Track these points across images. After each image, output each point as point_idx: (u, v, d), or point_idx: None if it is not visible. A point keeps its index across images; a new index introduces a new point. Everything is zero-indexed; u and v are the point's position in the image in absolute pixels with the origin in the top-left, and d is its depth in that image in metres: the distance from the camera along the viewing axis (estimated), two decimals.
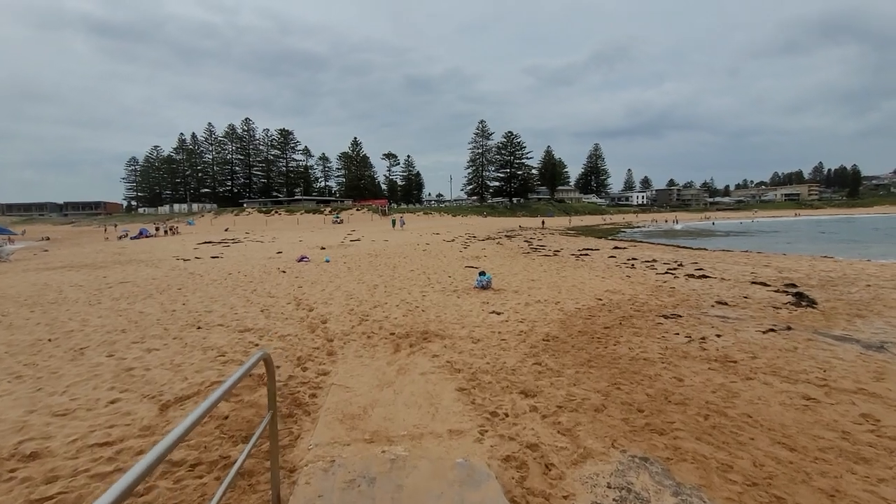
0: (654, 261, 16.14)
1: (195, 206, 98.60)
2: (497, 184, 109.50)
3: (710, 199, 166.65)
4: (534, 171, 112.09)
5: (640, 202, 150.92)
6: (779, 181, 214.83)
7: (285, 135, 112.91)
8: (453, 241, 28.04)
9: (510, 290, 10.17)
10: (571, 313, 7.86)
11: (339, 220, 68.09)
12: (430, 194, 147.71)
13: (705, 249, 22.73)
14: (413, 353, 5.74)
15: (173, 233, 51.28)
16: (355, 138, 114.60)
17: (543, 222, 56.65)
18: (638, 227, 61.43)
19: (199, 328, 7.13)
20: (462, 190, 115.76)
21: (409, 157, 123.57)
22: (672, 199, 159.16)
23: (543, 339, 6.23)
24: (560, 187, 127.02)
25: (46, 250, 32.96)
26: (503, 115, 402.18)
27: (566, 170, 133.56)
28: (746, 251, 21.03)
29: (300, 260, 16.95)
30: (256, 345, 6.16)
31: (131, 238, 45.19)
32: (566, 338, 6.32)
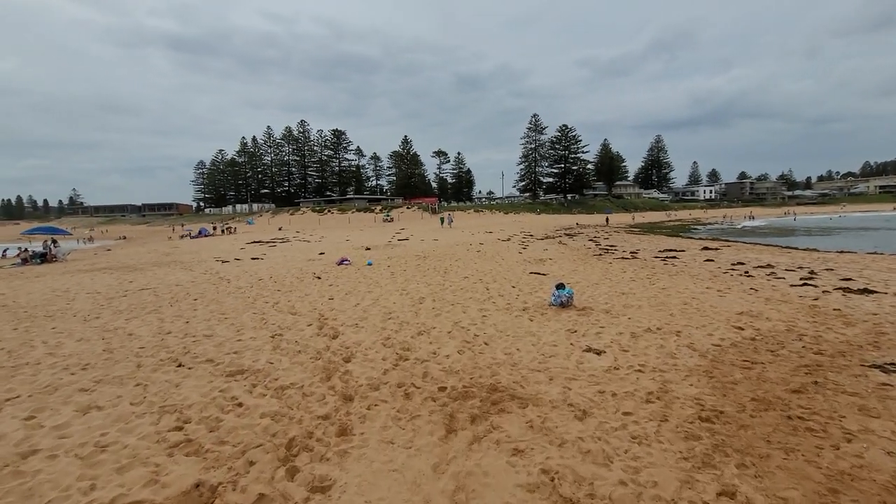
0: (771, 266, 12.73)
1: (255, 206, 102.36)
2: (550, 180, 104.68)
3: (789, 193, 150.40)
4: (589, 167, 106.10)
5: (707, 197, 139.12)
6: (871, 171, 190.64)
7: (338, 135, 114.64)
8: (508, 240, 25.43)
9: (599, 310, 7.56)
10: (713, 356, 5.16)
11: (389, 218, 67.27)
12: (480, 192, 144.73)
13: (816, 250, 18.56)
14: (478, 441, 3.40)
15: (230, 232, 52.42)
16: (406, 136, 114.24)
17: (607, 219, 52.31)
18: (709, 223, 55.27)
19: (179, 365, 5.21)
20: (514, 187, 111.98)
21: (459, 154, 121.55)
22: (744, 192, 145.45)
23: (700, 418, 3.65)
24: (618, 182, 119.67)
25: (109, 250, 34.01)
26: (555, 110, 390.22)
27: (624, 164, 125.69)
28: (876, 251, 16.76)
29: (340, 263, 15.16)
30: (240, 404, 4.09)
31: (191, 237, 46.49)
32: (737, 414, 3.70)
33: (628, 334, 6.06)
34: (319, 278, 11.98)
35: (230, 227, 56.53)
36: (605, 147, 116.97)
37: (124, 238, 59.50)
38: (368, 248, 21.15)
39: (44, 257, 22.92)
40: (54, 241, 33.82)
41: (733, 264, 13.58)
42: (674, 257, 15.98)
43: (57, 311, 8.80)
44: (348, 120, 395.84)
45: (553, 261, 15.03)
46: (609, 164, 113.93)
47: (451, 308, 7.99)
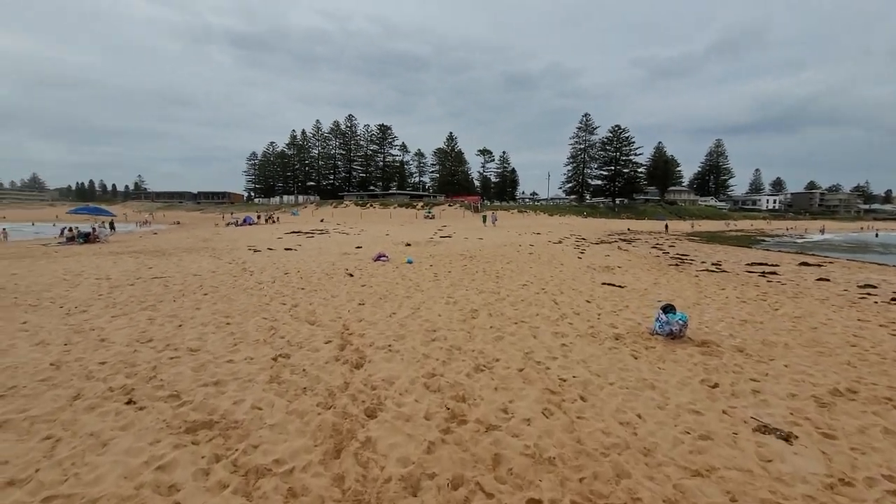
0: None
1: (301, 198, 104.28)
2: (599, 182, 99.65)
3: (865, 206, 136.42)
4: (641, 170, 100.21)
5: (769, 206, 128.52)
6: None
7: (384, 130, 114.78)
8: (560, 242, 23.04)
9: (728, 347, 5.33)
10: None
11: (430, 215, 65.89)
12: (523, 192, 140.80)
13: None
14: None
15: (273, 221, 52.69)
16: (451, 133, 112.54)
17: (667, 226, 48.41)
18: (776, 235, 49.96)
19: (129, 402, 3.55)
20: (560, 188, 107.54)
21: (504, 153, 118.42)
22: (813, 204, 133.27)
23: None
24: (671, 188, 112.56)
25: (156, 233, 34.39)
26: (606, 111, 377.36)
27: (679, 168, 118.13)
28: None
29: (377, 259, 13.49)
30: None
31: (237, 225, 46.92)
32: None
33: (808, 398, 3.86)
34: (352, 276, 10.30)
35: (273, 217, 56.94)
36: (660, 150, 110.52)
37: (178, 223, 61.47)
38: (409, 245, 19.47)
39: (87, 237, 22.84)
40: (112, 225, 34.76)
41: (861, 286, 10.76)
42: (772, 273, 13.19)
43: (48, 298, 7.56)
44: (395, 117, 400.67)
45: (624, 269, 12.68)
46: (663, 167, 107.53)
47: (514, 329, 6.01)
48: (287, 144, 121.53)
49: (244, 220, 50.09)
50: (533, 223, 50.99)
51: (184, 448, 2.88)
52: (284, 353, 4.82)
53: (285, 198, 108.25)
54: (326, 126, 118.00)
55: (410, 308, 7.12)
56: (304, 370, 4.34)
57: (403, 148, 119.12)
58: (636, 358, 4.86)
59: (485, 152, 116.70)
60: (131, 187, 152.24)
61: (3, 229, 31.94)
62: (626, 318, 6.70)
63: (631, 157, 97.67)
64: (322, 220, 56.80)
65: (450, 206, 78.50)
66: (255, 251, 16.40)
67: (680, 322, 5.55)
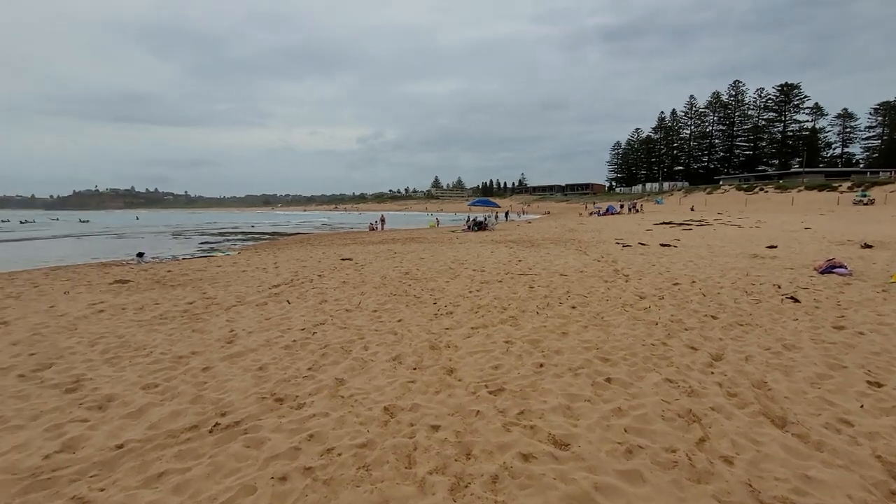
0: None
1: (665, 185, 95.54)
2: None
3: None
4: None
5: None
6: None
7: (786, 91, 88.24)
8: None
9: None
10: None
11: (865, 198, 44.81)
12: None
13: None
14: None
15: (636, 211, 49.40)
16: None
17: None
18: None
19: None
20: None
21: None
22: None
23: None
24: None
25: (530, 222, 38.09)
26: None
27: None
28: None
29: (828, 270, 8.21)
30: None
31: (599, 214, 46.71)
32: None
33: None
34: (797, 321, 5.89)
35: (636, 206, 53.42)
36: None
37: (547, 213, 68.24)
38: (869, 246, 12.05)
39: (480, 225, 26.96)
40: (499, 215, 41.48)
41: None
42: None
43: (222, 285, 7.60)
44: (801, 74, 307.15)
45: None
46: None
47: None
48: (653, 129, 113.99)
49: (606, 210, 49.28)
50: None
51: None
52: None
53: (648, 185, 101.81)
54: (701, 101, 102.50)
55: None
56: None
57: (816, 111, 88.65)
58: None
59: None
60: (516, 184, 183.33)
61: (437, 218, 43.04)
62: None
63: None
64: (692, 209, 48.85)
65: None
66: (624, 246, 13.97)
67: None
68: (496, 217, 38.19)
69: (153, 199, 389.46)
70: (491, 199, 38.58)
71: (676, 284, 7.53)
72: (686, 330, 5.00)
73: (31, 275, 10.98)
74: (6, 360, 4.45)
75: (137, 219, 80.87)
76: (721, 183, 78.35)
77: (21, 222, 59.58)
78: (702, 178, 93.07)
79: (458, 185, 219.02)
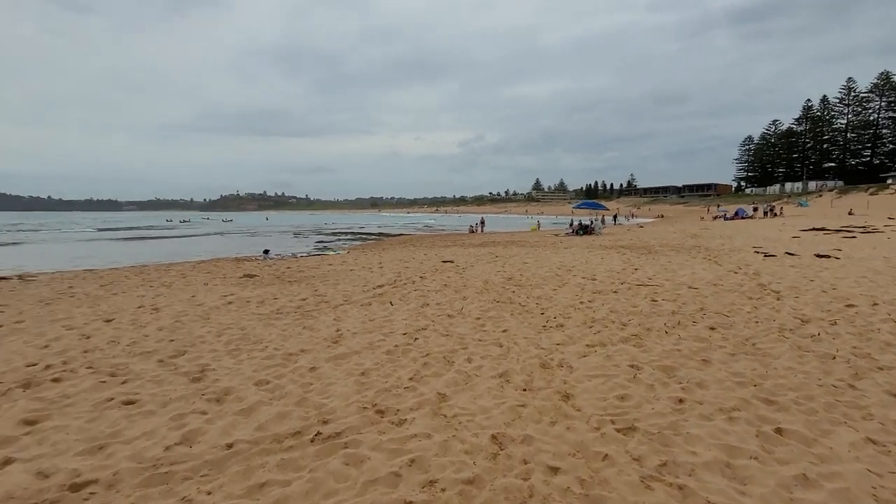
0: None
1: (812, 185, 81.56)
2: None
3: None
4: None
5: None
6: None
7: None
8: None
9: None
10: None
11: None
12: None
13: None
14: None
15: (774, 215, 42.72)
16: None
17: None
18: None
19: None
20: None
21: None
22: None
23: None
24: None
25: (641, 226, 34.99)
26: None
27: None
28: None
29: None
30: None
31: (725, 219, 41.38)
32: None
33: None
34: None
35: (774, 209, 46.21)
36: None
37: (661, 216, 62.47)
38: None
39: (586, 229, 25.38)
40: (604, 220, 38.87)
41: None
42: None
43: (332, 283, 7.05)
44: None
45: None
46: None
47: None
48: (796, 119, 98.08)
49: (735, 213, 43.37)
50: None
51: None
52: None
53: (788, 185, 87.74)
54: (863, 84, 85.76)
55: None
56: None
57: None
58: None
59: None
60: (624, 185, 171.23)
61: (538, 221, 41.71)
62: None
63: None
64: (850, 213, 40.75)
65: None
66: (766, 256, 11.86)
67: None
68: (602, 220, 35.77)
69: (280, 202, 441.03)
70: (598, 203, 36.25)
71: (851, 306, 5.99)
72: (881, 370, 3.82)
73: (182, 267, 12.71)
74: (152, 345, 4.97)
75: (267, 219, 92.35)
76: (890, 182, 64.44)
77: (181, 221, 72.03)
78: (862, 177, 77.57)
79: (560, 187, 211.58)
